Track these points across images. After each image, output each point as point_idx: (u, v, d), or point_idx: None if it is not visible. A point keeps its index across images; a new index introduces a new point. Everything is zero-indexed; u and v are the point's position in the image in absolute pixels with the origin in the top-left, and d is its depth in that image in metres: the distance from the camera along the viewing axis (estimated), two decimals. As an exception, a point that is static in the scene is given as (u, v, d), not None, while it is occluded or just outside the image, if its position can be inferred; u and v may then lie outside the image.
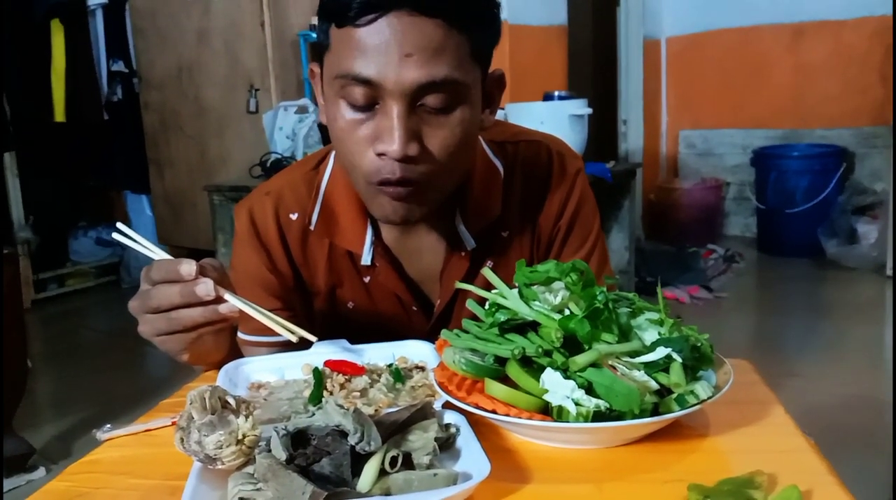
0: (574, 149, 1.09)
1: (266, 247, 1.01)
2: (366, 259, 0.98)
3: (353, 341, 0.93)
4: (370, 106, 0.81)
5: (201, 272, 0.74)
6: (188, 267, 0.73)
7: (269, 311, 0.84)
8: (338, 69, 0.81)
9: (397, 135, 0.79)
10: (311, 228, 0.99)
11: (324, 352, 0.89)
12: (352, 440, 0.60)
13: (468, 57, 0.82)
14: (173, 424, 0.78)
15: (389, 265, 0.99)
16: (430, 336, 0.94)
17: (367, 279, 1.01)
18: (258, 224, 1.01)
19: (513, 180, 1.02)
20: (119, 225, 0.82)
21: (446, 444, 0.67)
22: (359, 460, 0.61)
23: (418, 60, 0.78)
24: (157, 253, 0.80)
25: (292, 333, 0.79)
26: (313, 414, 0.65)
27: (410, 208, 0.86)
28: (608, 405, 0.65)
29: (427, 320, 1.02)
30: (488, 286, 0.78)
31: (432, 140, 0.83)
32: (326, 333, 1.03)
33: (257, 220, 1.01)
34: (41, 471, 2.31)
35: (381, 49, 0.77)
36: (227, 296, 0.76)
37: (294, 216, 1.01)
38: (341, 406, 0.64)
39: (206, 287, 0.73)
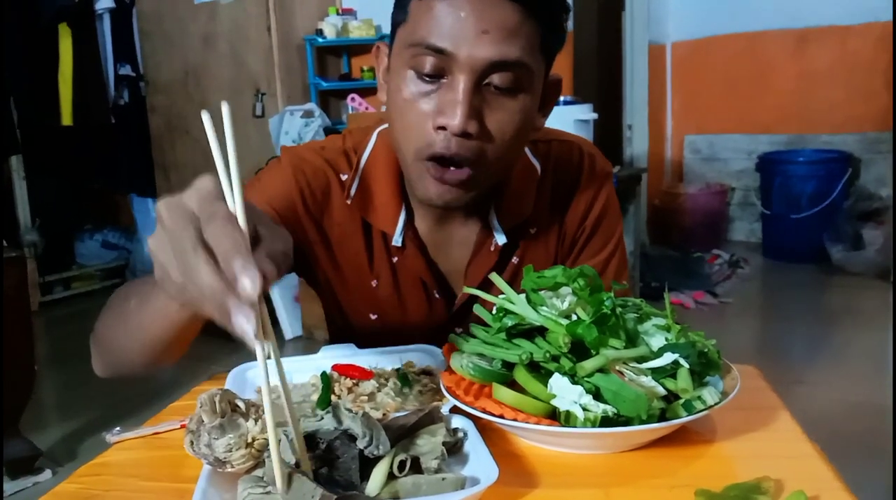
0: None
1: (304, 189, 0.99)
2: (396, 240, 0.99)
3: (370, 321, 0.93)
4: (437, 78, 0.83)
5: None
6: (252, 285, 0.49)
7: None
8: (413, 38, 0.83)
9: (460, 110, 0.81)
10: (348, 201, 0.99)
11: (332, 356, 0.90)
12: (361, 444, 0.60)
13: (538, 48, 0.85)
14: (182, 427, 0.79)
15: (418, 250, 1.00)
16: (449, 326, 0.94)
17: (395, 260, 1.01)
18: (308, 173, 0.99)
19: (545, 179, 1.03)
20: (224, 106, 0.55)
21: (454, 448, 0.67)
22: (367, 464, 0.61)
23: (493, 38, 0.80)
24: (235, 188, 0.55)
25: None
26: (322, 418, 0.65)
27: (455, 193, 0.87)
28: (616, 411, 0.66)
29: (447, 309, 1.03)
30: (511, 283, 0.78)
31: (492, 121, 0.84)
32: (349, 307, 1.04)
33: (307, 170, 0.99)
34: (47, 473, 2.32)
35: (459, 22, 0.80)
36: (258, 352, 0.55)
37: (344, 177, 1.00)
38: (350, 410, 0.64)
39: (249, 325, 0.51)
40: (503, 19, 0.80)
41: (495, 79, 0.82)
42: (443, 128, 0.83)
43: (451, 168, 0.85)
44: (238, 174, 0.55)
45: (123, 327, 0.77)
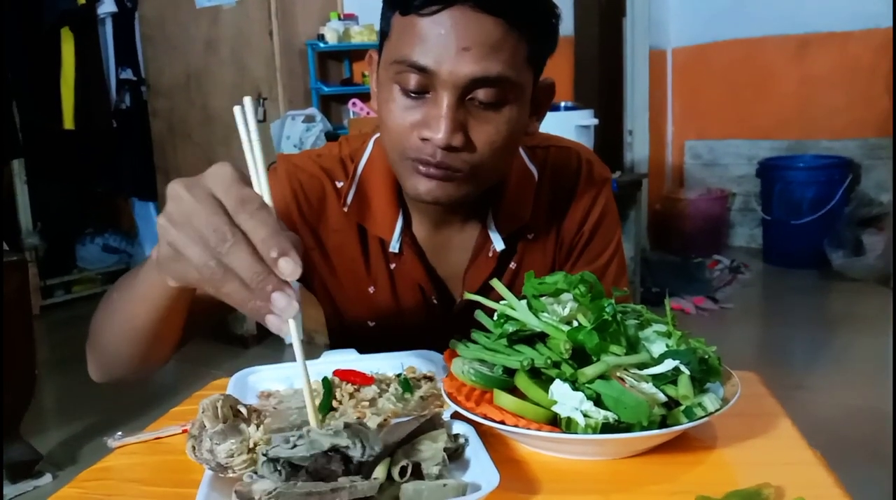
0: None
1: (299, 196, 0.99)
2: (394, 246, 0.99)
3: (367, 328, 0.93)
4: (422, 93, 0.83)
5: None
6: (293, 267, 0.54)
7: None
8: (396, 55, 0.83)
9: (444, 124, 0.82)
10: (345, 209, 1.00)
11: (333, 361, 0.90)
12: (355, 455, 0.60)
13: (523, 60, 0.85)
14: (184, 432, 0.79)
15: (416, 256, 1.00)
16: (447, 333, 0.94)
17: (392, 266, 1.02)
18: (303, 181, 1.00)
19: (542, 184, 1.04)
20: (247, 100, 0.60)
21: (455, 454, 0.67)
22: (361, 470, 0.61)
23: (475, 55, 0.80)
24: (263, 184, 0.60)
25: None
26: (294, 446, 0.61)
27: (445, 188, 0.87)
28: (616, 417, 0.66)
29: (446, 315, 1.03)
30: (510, 289, 0.78)
31: (477, 134, 0.85)
32: (347, 313, 1.04)
33: (302, 177, 1.00)
34: (47, 477, 2.32)
35: (440, 40, 0.80)
36: (293, 330, 0.58)
37: (340, 184, 1.01)
38: (328, 430, 0.62)
39: (290, 305, 0.54)
40: (485, 35, 0.80)
41: (479, 94, 0.83)
42: (427, 139, 0.83)
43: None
44: (264, 163, 0.59)
45: (111, 320, 0.79)
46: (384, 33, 0.88)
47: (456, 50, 0.80)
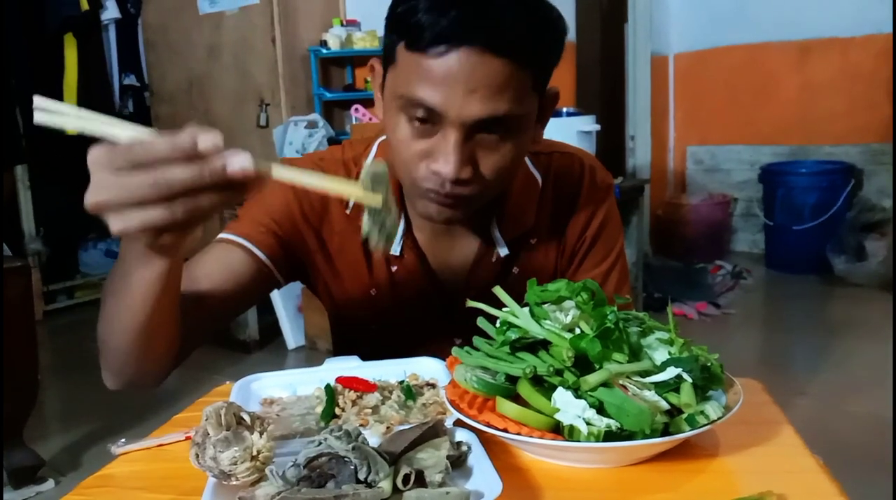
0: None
1: (302, 198, 1.00)
2: (395, 249, 1.00)
3: (369, 330, 0.92)
4: (429, 124, 0.84)
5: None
6: (212, 138, 0.56)
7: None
8: (403, 90, 0.83)
9: (453, 159, 0.82)
10: (348, 211, 1.00)
11: (335, 368, 0.90)
12: (361, 476, 0.60)
13: (530, 89, 0.85)
14: (187, 439, 0.79)
15: (417, 259, 1.01)
16: (449, 336, 0.95)
17: (394, 269, 1.02)
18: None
19: (546, 190, 1.04)
20: (38, 99, 0.61)
21: (458, 462, 0.67)
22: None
23: (482, 97, 0.80)
24: (124, 128, 0.58)
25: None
26: (320, 443, 0.63)
27: (455, 212, 0.89)
28: (619, 425, 0.66)
29: (448, 319, 1.03)
30: (511, 294, 0.78)
31: (485, 163, 0.86)
32: (350, 316, 1.05)
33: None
34: (50, 483, 2.32)
35: (447, 81, 0.80)
36: (274, 168, 0.58)
37: None
38: (344, 434, 0.63)
39: (242, 161, 0.56)
40: (492, 77, 0.80)
41: (486, 129, 0.83)
42: (437, 173, 0.84)
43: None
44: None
45: (107, 322, 0.78)
46: (389, 57, 0.87)
47: (463, 92, 0.80)
